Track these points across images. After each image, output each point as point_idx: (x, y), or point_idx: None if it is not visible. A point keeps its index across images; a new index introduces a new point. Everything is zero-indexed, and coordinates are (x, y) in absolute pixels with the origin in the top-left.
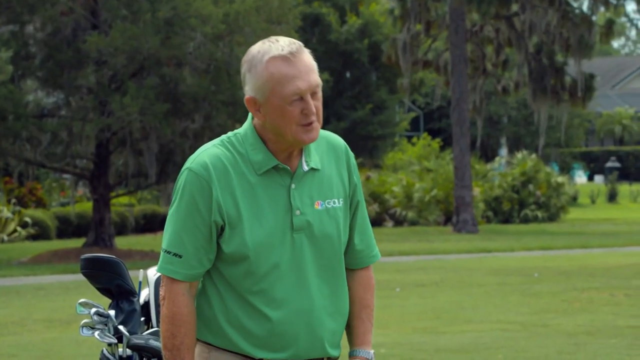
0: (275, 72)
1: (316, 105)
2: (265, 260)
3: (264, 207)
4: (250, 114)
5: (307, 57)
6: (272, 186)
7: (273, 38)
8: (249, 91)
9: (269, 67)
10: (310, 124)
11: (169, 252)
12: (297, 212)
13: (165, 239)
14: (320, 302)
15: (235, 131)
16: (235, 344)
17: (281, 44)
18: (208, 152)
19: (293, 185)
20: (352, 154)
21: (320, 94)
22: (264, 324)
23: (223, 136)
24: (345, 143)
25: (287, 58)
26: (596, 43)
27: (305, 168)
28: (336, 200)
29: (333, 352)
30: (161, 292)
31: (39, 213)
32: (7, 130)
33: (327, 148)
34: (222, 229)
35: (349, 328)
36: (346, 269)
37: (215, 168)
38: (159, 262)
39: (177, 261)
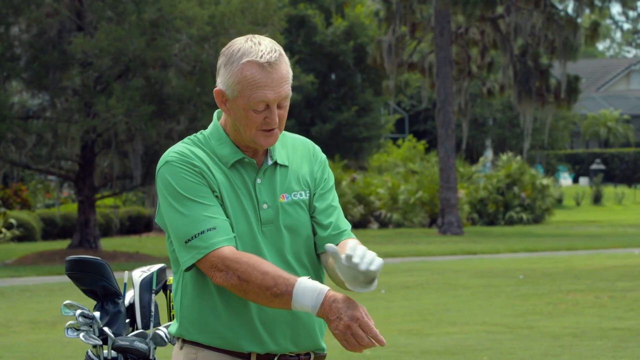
0: (248, 76)
1: (281, 114)
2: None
3: (233, 201)
4: (215, 115)
5: (284, 67)
6: (240, 180)
7: (257, 38)
8: (220, 84)
9: (244, 70)
10: (271, 130)
11: (202, 232)
12: (265, 206)
13: (185, 229)
14: None
15: (202, 131)
16: (224, 338)
17: (262, 49)
18: (177, 147)
19: (259, 180)
20: (319, 149)
21: (287, 103)
22: (249, 315)
23: (190, 136)
24: (313, 143)
25: (263, 66)
26: (581, 45)
27: (270, 162)
28: (302, 193)
29: (322, 344)
30: (215, 276)
31: (24, 215)
32: None
33: (293, 146)
34: None
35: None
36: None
37: (189, 157)
38: (191, 253)
39: (213, 233)
